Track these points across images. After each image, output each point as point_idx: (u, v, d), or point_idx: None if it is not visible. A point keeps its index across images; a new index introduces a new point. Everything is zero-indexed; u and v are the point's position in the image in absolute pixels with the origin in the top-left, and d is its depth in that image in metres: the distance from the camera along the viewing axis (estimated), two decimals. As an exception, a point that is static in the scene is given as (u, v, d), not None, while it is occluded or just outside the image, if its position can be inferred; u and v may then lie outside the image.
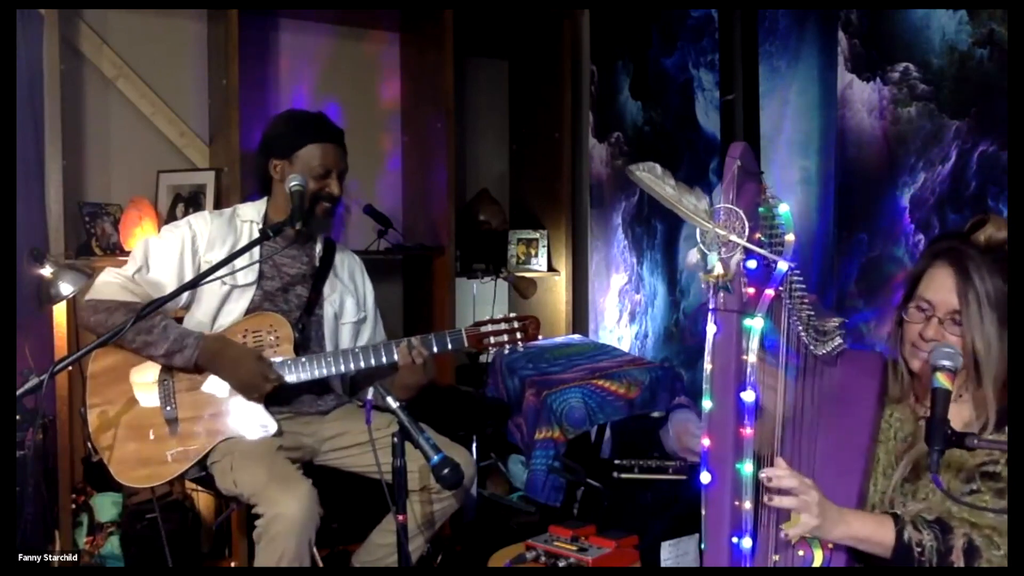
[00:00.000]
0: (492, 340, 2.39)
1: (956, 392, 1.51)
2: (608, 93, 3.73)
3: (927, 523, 1.44)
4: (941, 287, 1.54)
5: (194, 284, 2.20)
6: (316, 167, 2.34)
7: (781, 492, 1.42)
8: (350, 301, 2.53)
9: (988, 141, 2.24)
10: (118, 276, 2.29)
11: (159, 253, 2.32)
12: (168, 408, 2.26)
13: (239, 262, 2.25)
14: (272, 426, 2.29)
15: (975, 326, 1.50)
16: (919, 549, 1.41)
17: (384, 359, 2.33)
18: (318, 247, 2.50)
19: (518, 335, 2.40)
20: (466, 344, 2.37)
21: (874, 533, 1.44)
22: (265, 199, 2.47)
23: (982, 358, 1.49)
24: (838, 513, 1.45)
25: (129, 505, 2.91)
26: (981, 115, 2.26)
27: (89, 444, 2.27)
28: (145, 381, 2.28)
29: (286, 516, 2.04)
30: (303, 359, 2.32)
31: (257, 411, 2.29)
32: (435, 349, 2.35)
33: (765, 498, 1.42)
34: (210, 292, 2.33)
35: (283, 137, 2.39)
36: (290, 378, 2.31)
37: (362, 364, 2.34)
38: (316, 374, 2.32)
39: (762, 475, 1.41)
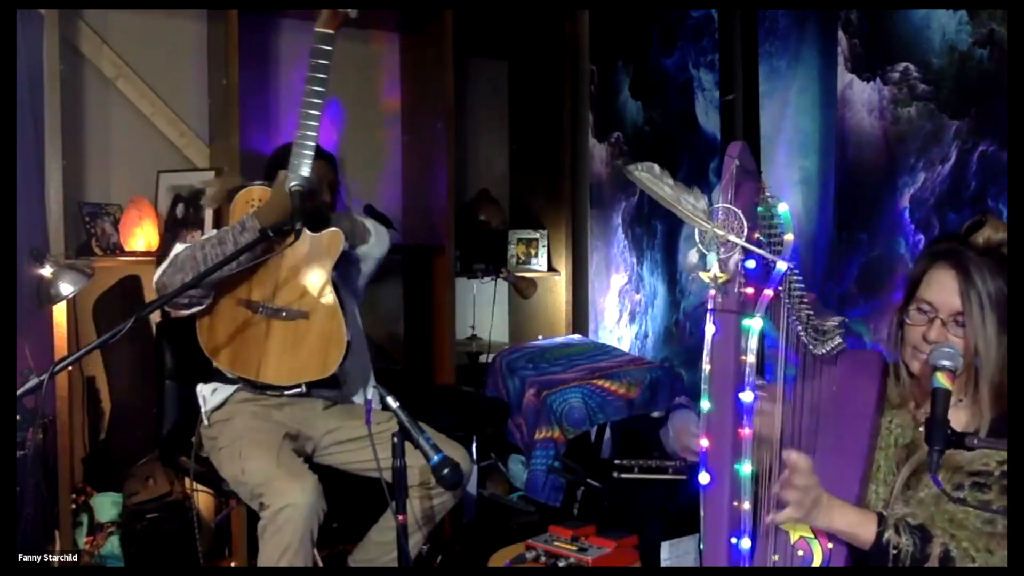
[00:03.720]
0: None
1: (955, 396, 1.50)
2: (608, 93, 3.73)
3: (909, 528, 1.44)
4: (943, 288, 1.53)
5: (195, 284, 2.20)
6: None
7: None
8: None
9: (988, 141, 2.24)
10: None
11: None
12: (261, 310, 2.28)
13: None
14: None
15: (977, 327, 1.48)
16: (895, 551, 1.42)
17: None
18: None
19: None
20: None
21: (851, 527, 1.45)
22: None
23: (982, 360, 1.49)
24: (824, 502, 1.45)
25: (129, 505, 2.91)
26: (981, 115, 2.26)
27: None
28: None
29: (294, 506, 2.06)
30: None
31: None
32: None
33: (776, 487, 1.41)
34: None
35: (276, 163, 2.47)
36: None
37: None
38: None
39: (789, 458, 1.41)
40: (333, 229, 2.33)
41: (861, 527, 1.45)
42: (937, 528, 1.45)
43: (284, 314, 2.29)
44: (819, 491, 1.43)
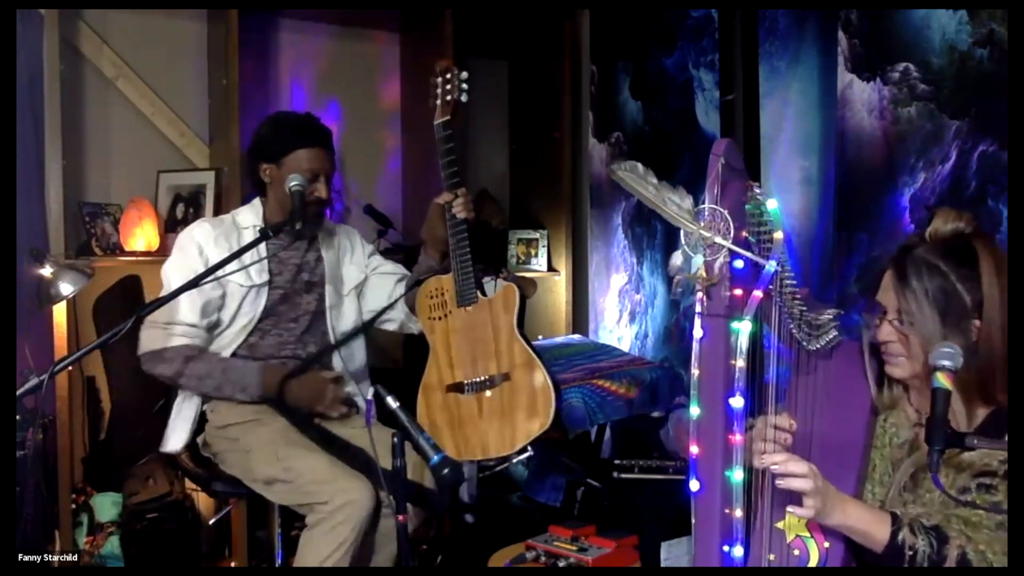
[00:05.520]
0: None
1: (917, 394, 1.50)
2: (608, 93, 3.72)
3: (925, 528, 1.41)
4: (887, 289, 1.56)
5: (193, 284, 2.19)
6: (304, 172, 2.32)
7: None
8: (353, 271, 2.61)
9: (988, 141, 2.24)
10: (157, 325, 2.32)
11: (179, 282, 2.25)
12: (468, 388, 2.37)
13: (247, 258, 2.25)
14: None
15: (917, 323, 1.49)
16: (910, 553, 1.39)
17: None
18: (317, 245, 2.53)
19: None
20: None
21: (869, 527, 1.43)
22: (259, 201, 2.48)
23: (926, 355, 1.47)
24: (839, 499, 1.43)
25: (129, 505, 2.91)
26: (981, 115, 2.25)
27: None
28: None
29: (356, 503, 2.07)
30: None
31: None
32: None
33: (779, 481, 1.38)
34: (232, 295, 2.36)
35: (271, 141, 2.39)
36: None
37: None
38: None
39: (766, 464, 1.39)
40: (506, 284, 2.40)
41: (875, 526, 1.42)
42: (952, 530, 1.42)
43: (489, 383, 2.34)
44: (820, 478, 1.40)
